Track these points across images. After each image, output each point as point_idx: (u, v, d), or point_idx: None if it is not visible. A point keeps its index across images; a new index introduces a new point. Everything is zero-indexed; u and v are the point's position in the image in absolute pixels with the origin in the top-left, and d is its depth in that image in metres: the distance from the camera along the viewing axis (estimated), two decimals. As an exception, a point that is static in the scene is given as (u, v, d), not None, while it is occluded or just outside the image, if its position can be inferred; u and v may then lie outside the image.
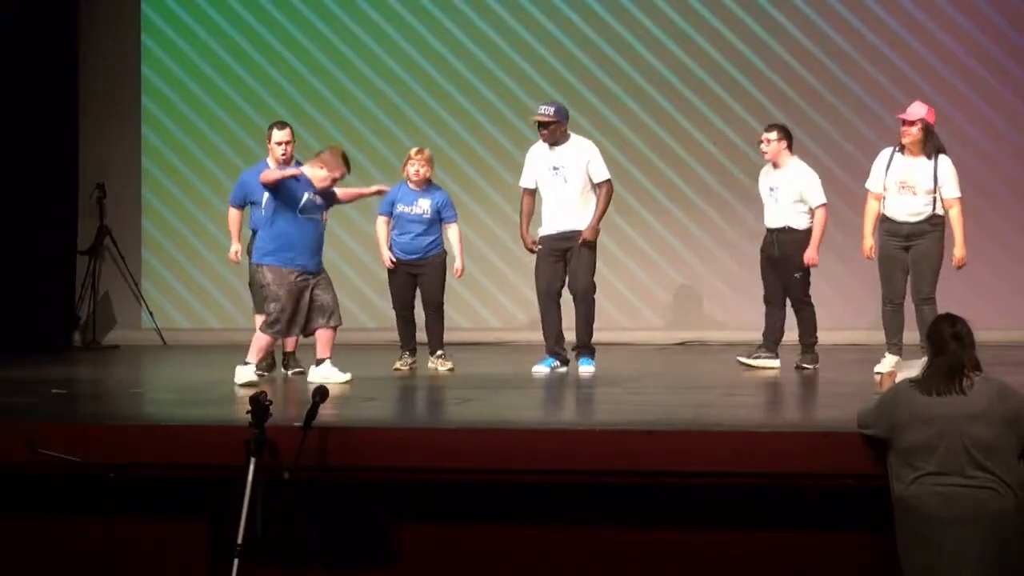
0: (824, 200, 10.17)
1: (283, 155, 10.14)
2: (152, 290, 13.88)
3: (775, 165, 10.26)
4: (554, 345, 10.19)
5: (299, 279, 9.17)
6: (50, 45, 13.48)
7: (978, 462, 5.96)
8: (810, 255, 10.15)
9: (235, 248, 10.46)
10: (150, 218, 13.95)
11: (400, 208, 10.49)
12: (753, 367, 10.26)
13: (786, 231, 10.18)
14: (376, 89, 13.71)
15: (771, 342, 10.36)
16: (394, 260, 10.51)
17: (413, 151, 10.62)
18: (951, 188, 9.62)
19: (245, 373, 9.12)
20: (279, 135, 10.19)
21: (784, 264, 10.23)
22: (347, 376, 9.26)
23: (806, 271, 10.22)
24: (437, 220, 10.55)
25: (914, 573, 6.07)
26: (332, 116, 13.69)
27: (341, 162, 9.33)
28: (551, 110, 10.18)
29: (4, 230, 12.87)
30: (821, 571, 6.70)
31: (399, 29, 13.69)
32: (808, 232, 10.18)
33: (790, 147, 10.27)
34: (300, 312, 9.20)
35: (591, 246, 10.15)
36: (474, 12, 13.61)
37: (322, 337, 9.28)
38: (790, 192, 10.16)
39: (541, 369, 10.14)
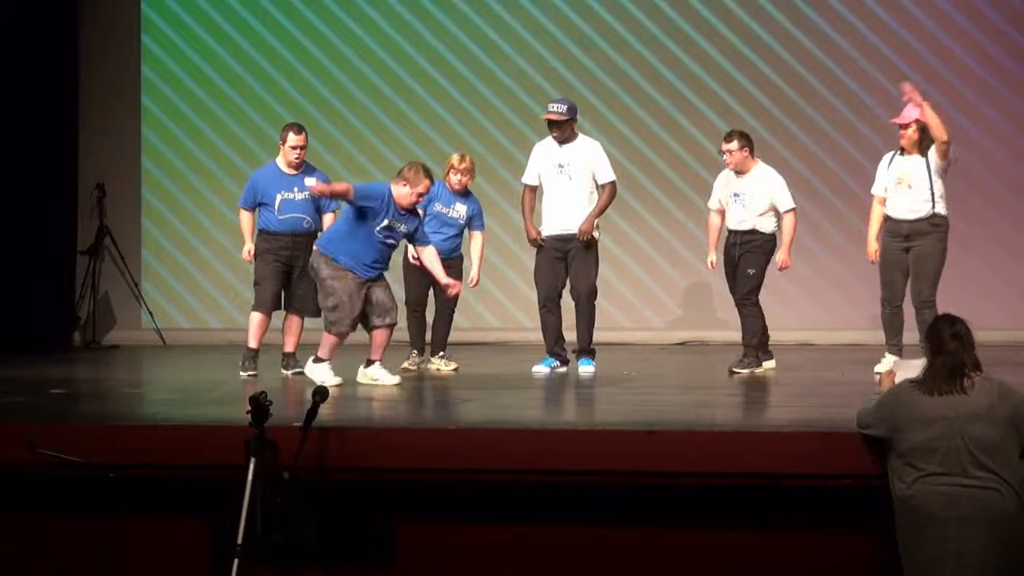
0: (793, 204, 10.16)
1: (296, 159, 10.06)
2: (152, 290, 13.87)
3: (739, 172, 10.18)
4: (554, 345, 10.19)
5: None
6: (50, 45, 13.48)
7: (980, 462, 5.96)
8: (783, 259, 10.13)
9: (249, 247, 10.17)
10: (150, 218, 13.95)
11: (439, 208, 10.34)
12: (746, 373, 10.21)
13: (753, 233, 10.14)
14: (376, 89, 13.71)
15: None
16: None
17: (456, 160, 10.38)
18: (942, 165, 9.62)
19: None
20: (295, 139, 10.03)
21: (742, 262, 10.13)
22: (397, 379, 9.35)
23: (760, 272, 10.14)
24: (466, 226, 10.50)
25: (916, 573, 6.07)
26: (332, 116, 13.68)
27: (423, 176, 9.14)
28: (563, 108, 10.16)
29: (4, 230, 12.87)
30: (821, 571, 6.70)
31: (400, 29, 13.68)
32: (773, 236, 10.15)
33: (752, 153, 10.19)
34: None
35: (591, 247, 10.14)
36: (474, 12, 13.61)
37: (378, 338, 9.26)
38: (759, 199, 10.09)
39: (541, 369, 10.14)
